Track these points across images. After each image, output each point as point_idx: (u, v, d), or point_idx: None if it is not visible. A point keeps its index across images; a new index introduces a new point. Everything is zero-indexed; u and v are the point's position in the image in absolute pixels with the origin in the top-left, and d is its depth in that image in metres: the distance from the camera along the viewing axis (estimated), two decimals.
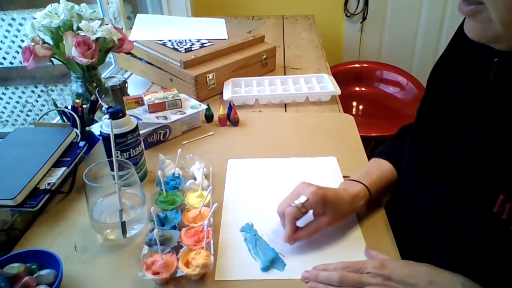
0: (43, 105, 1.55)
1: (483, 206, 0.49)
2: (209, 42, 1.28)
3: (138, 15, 1.45)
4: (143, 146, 0.79)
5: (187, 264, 0.57)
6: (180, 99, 0.97)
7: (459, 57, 0.62)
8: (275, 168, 0.83)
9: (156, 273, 0.56)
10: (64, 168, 0.77)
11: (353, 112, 2.13)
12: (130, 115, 0.76)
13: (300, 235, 0.62)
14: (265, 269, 0.59)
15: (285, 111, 1.11)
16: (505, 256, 0.49)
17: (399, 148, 0.74)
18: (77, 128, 0.88)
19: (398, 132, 0.83)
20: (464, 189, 0.53)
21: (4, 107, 1.53)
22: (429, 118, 0.64)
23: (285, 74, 1.35)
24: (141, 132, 0.78)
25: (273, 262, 0.61)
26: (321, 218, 0.63)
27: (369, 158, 0.86)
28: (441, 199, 0.56)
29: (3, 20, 1.37)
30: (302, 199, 0.62)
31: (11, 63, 1.45)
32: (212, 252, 0.59)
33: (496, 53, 0.51)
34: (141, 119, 0.89)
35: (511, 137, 0.48)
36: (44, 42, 0.90)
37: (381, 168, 0.75)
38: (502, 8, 0.43)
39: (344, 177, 0.80)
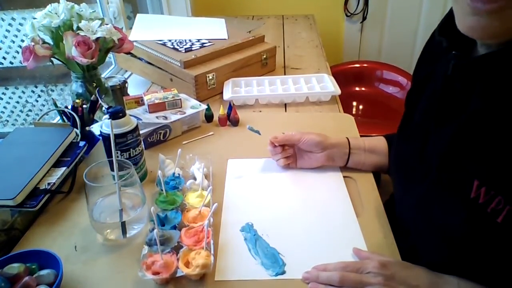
0: (43, 105, 1.55)
1: (461, 194, 0.51)
2: (209, 42, 1.28)
3: (138, 15, 1.45)
4: (143, 146, 0.79)
5: (187, 264, 0.57)
6: (180, 99, 0.97)
7: (431, 65, 0.64)
8: (275, 168, 0.83)
9: (156, 273, 0.56)
10: (64, 168, 0.77)
11: (353, 112, 2.13)
12: (130, 115, 0.76)
13: (282, 159, 0.81)
14: (267, 267, 0.60)
15: (285, 111, 1.11)
16: (490, 243, 0.49)
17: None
18: (77, 128, 0.88)
19: None
20: (443, 182, 0.54)
21: (4, 107, 1.53)
22: (407, 124, 0.68)
23: (285, 74, 1.35)
24: (141, 132, 0.78)
25: (273, 261, 0.60)
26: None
27: None
28: (425, 197, 0.58)
29: (3, 20, 1.37)
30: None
31: (11, 63, 1.44)
32: (212, 252, 0.59)
33: (455, 47, 0.53)
34: (141, 119, 0.89)
35: (481, 124, 0.50)
36: (44, 42, 0.90)
37: (375, 139, 0.83)
38: None
39: (344, 177, 0.80)
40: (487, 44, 0.51)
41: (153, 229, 0.60)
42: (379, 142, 0.82)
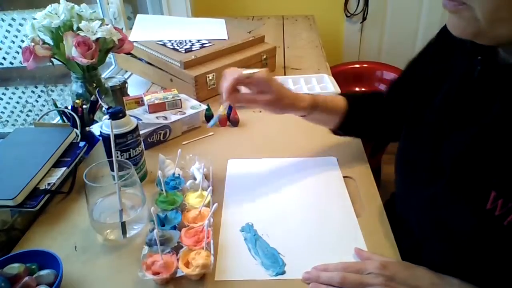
0: (43, 105, 1.55)
1: (476, 203, 0.50)
2: (209, 42, 1.28)
3: (138, 15, 1.45)
4: (143, 146, 0.79)
5: (187, 264, 0.57)
6: (180, 99, 0.97)
7: (442, 62, 0.62)
8: (275, 168, 0.83)
9: (156, 273, 0.56)
10: (64, 168, 0.77)
11: None
12: (130, 115, 0.76)
13: (240, 97, 0.68)
14: (267, 267, 0.59)
15: None
16: (500, 252, 0.49)
17: (362, 97, 0.84)
18: (77, 128, 0.88)
19: (365, 92, 0.87)
20: (457, 187, 0.53)
21: (4, 107, 1.53)
22: (417, 123, 0.65)
23: (285, 75, 1.35)
24: (141, 132, 0.78)
25: (273, 261, 0.60)
26: (261, 95, 0.68)
27: (369, 158, 0.86)
28: (435, 199, 0.57)
29: (3, 20, 1.37)
30: (254, 70, 0.65)
31: (11, 63, 1.44)
32: (212, 252, 0.59)
33: (479, 51, 0.52)
34: (141, 119, 0.89)
35: (501, 133, 0.49)
36: (44, 43, 0.90)
37: (336, 97, 0.80)
38: (488, 6, 0.43)
39: (344, 177, 0.80)
40: (501, 46, 0.50)
41: (153, 229, 0.60)
42: (339, 103, 0.79)
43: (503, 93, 0.50)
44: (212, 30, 1.40)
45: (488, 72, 0.52)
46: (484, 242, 0.50)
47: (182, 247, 0.60)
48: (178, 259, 0.58)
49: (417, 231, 0.63)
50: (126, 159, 0.73)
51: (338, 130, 0.82)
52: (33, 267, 0.56)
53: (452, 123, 0.57)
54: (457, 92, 0.57)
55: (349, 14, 2.28)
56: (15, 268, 0.54)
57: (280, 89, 0.69)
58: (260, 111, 1.10)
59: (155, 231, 0.57)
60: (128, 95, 1.11)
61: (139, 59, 1.29)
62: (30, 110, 1.54)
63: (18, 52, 1.42)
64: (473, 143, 0.52)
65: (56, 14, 0.90)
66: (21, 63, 0.90)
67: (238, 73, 0.65)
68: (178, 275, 0.57)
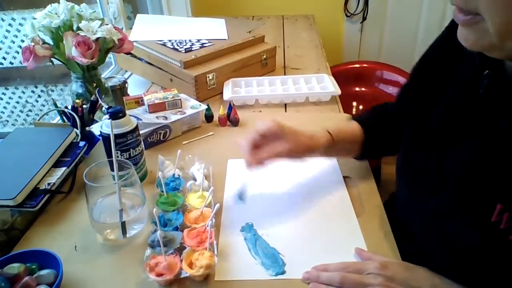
0: (43, 105, 1.55)
1: (481, 216, 0.49)
2: (209, 42, 1.28)
3: (138, 15, 1.45)
4: (143, 146, 0.79)
5: (190, 265, 0.57)
6: (180, 99, 0.97)
7: (446, 66, 0.61)
8: (275, 168, 0.83)
9: (159, 274, 0.56)
10: (64, 168, 0.77)
11: (353, 112, 2.12)
12: (130, 115, 0.76)
13: (260, 156, 0.67)
14: (267, 267, 0.59)
15: (285, 111, 1.11)
16: (504, 267, 0.48)
17: (373, 117, 0.83)
18: (77, 128, 0.88)
19: (372, 110, 0.86)
20: (462, 199, 0.52)
21: (4, 107, 1.53)
22: (420, 128, 0.64)
23: (285, 74, 1.35)
24: (141, 132, 0.78)
25: (273, 261, 0.60)
26: (279, 143, 0.67)
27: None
28: (439, 210, 0.56)
29: (3, 20, 1.37)
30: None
31: (11, 63, 1.45)
32: (216, 252, 0.59)
33: (488, 65, 0.51)
34: (141, 119, 0.89)
35: (508, 147, 0.48)
36: (44, 42, 0.90)
37: (350, 124, 0.80)
38: (499, 20, 0.42)
39: (344, 177, 0.80)
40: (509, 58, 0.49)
41: (155, 231, 0.60)
42: (356, 133, 0.78)
43: (510, 107, 0.49)
44: (212, 29, 1.40)
45: (495, 86, 0.51)
46: (488, 256, 0.49)
47: (184, 248, 0.60)
48: (181, 260, 0.57)
49: (420, 239, 0.62)
50: (126, 159, 0.73)
51: (358, 157, 0.81)
52: (33, 267, 0.56)
53: (456, 134, 0.56)
54: (463, 101, 0.56)
55: (349, 14, 2.28)
56: (15, 268, 0.54)
57: (291, 131, 0.69)
58: (260, 111, 1.10)
59: (158, 232, 0.57)
60: (128, 95, 1.11)
61: (139, 59, 1.29)
62: (30, 110, 1.54)
63: (18, 52, 1.42)
64: (479, 156, 0.51)
65: (56, 14, 0.90)
66: (21, 63, 0.90)
67: (250, 136, 0.67)
68: (182, 276, 0.57)
